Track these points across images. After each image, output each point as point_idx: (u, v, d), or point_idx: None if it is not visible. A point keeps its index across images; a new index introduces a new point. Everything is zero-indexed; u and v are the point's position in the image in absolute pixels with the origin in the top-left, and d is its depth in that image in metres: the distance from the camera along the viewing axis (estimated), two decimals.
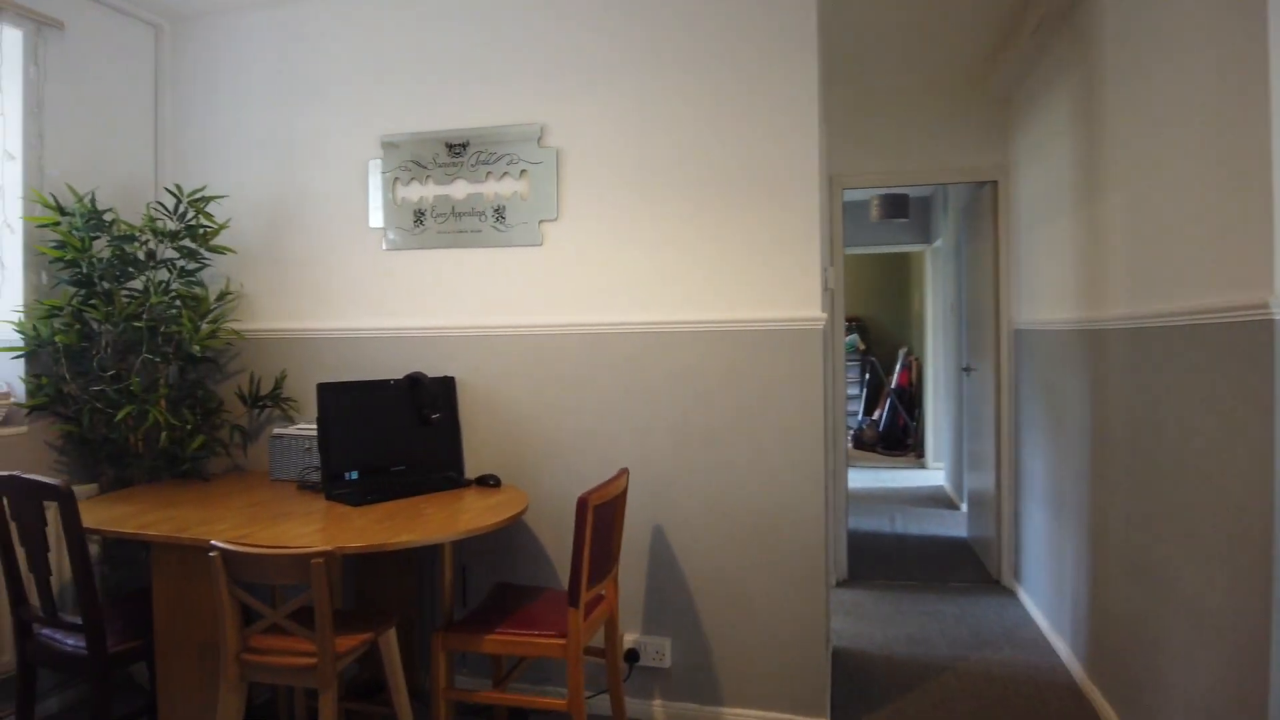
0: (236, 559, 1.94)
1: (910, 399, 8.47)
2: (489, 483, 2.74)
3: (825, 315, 2.65)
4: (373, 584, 2.80)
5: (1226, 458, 1.91)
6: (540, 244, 2.86)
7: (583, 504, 2.16)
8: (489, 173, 2.88)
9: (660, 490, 2.79)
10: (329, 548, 1.92)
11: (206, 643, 2.23)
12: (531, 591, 2.60)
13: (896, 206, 6.89)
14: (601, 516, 2.28)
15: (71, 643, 2.25)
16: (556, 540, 2.89)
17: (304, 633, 1.98)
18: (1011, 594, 4.15)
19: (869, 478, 7.31)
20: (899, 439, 8.46)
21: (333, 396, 2.62)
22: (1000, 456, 4.31)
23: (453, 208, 2.93)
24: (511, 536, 2.92)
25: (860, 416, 8.96)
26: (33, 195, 2.77)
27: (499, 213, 2.88)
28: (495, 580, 2.94)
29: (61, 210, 2.75)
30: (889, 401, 8.55)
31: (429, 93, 2.98)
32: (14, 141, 2.76)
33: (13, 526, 2.28)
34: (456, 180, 2.92)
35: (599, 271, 2.83)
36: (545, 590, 2.62)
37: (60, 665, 2.28)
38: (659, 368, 2.78)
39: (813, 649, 2.67)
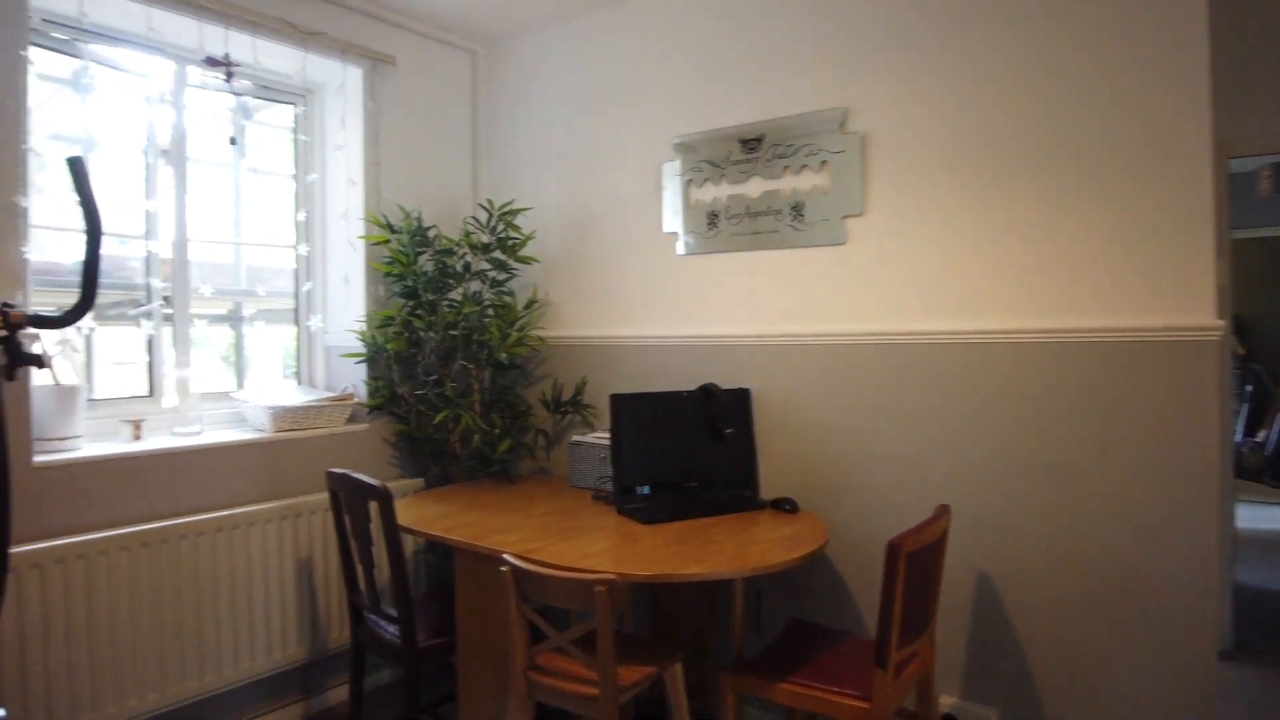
0: (524, 576, 1.90)
1: None
2: (785, 508, 2.50)
3: (1222, 323, 2.03)
4: (669, 604, 2.70)
5: None
6: (843, 242, 2.55)
7: (894, 550, 1.83)
8: (785, 167, 2.64)
9: (986, 531, 2.35)
10: (612, 575, 1.81)
11: (502, 651, 2.25)
12: (832, 635, 2.32)
13: None
14: (916, 565, 1.93)
15: (391, 631, 2.40)
16: (859, 577, 2.56)
17: (587, 659, 1.90)
18: None
19: (1257, 515, 5.92)
20: None
21: (625, 407, 2.56)
22: None
23: (747, 207, 2.72)
24: (809, 568, 2.65)
25: (1240, 437, 7.33)
26: (369, 217, 3.05)
27: (796, 210, 2.62)
28: (789, 614, 2.69)
29: (392, 229, 3.00)
30: (1278, 420, 6.89)
31: (722, 89, 2.81)
32: (356, 169, 3.07)
33: (348, 520, 2.49)
34: (751, 178, 2.71)
35: (911, 272, 2.45)
36: (847, 636, 2.32)
37: (381, 650, 2.45)
38: (986, 385, 2.33)
39: None
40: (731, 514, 2.46)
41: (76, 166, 1.78)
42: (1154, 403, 2.11)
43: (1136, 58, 2.12)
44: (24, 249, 2.26)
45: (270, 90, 3.03)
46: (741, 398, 2.70)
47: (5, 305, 1.67)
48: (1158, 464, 2.11)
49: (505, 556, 1.94)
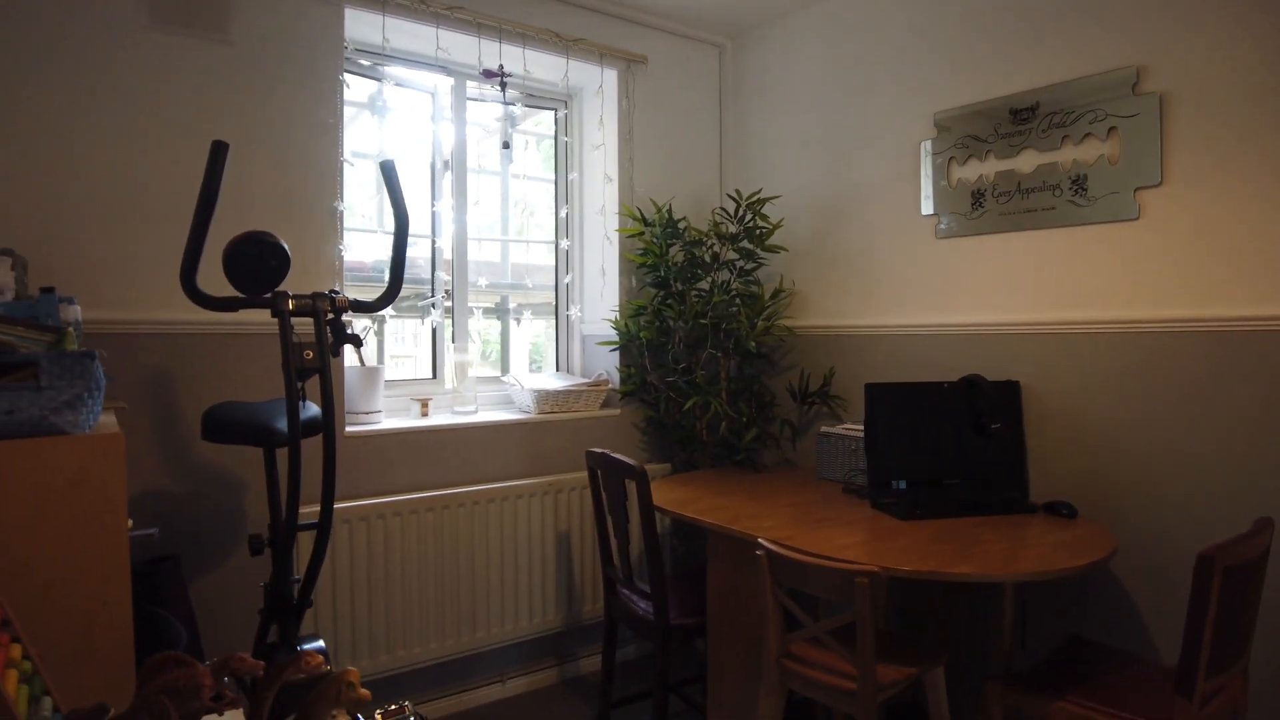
0: (781, 562, 1.90)
1: None
2: (1061, 512, 2.28)
3: None
4: (918, 606, 2.58)
5: None
6: (1135, 217, 2.27)
7: (1206, 563, 1.61)
8: (1065, 137, 2.40)
9: None
10: (875, 568, 1.75)
11: (752, 634, 2.27)
12: (1113, 655, 2.09)
13: None
14: (1231, 584, 1.68)
15: (644, 606, 2.50)
16: (1150, 597, 2.28)
17: (844, 653, 1.85)
18: None
19: None
20: None
21: (881, 398, 2.46)
22: None
23: (1018, 184, 2.51)
24: (1085, 581, 2.40)
25: None
26: (624, 210, 3.19)
27: (1078, 183, 2.37)
28: (1061, 628, 2.45)
29: (645, 222, 3.12)
30: None
31: (986, 57, 2.61)
32: (611, 166, 3.22)
33: (605, 498, 2.62)
34: (1023, 151, 2.50)
35: (1224, 248, 2.12)
36: (1132, 658, 2.07)
37: (633, 624, 2.56)
38: None
39: None
40: (997, 515, 2.29)
41: (388, 170, 2.03)
42: None
43: None
44: (340, 247, 2.62)
45: (535, 97, 3.27)
46: (1010, 391, 2.50)
47: (332, 292, 1.94)
48: None
49: (761, 541, 1.95)
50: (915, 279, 2.83)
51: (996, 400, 2.45)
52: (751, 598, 2.27)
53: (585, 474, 3.01)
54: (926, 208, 2.77)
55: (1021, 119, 2.50)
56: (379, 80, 2.90)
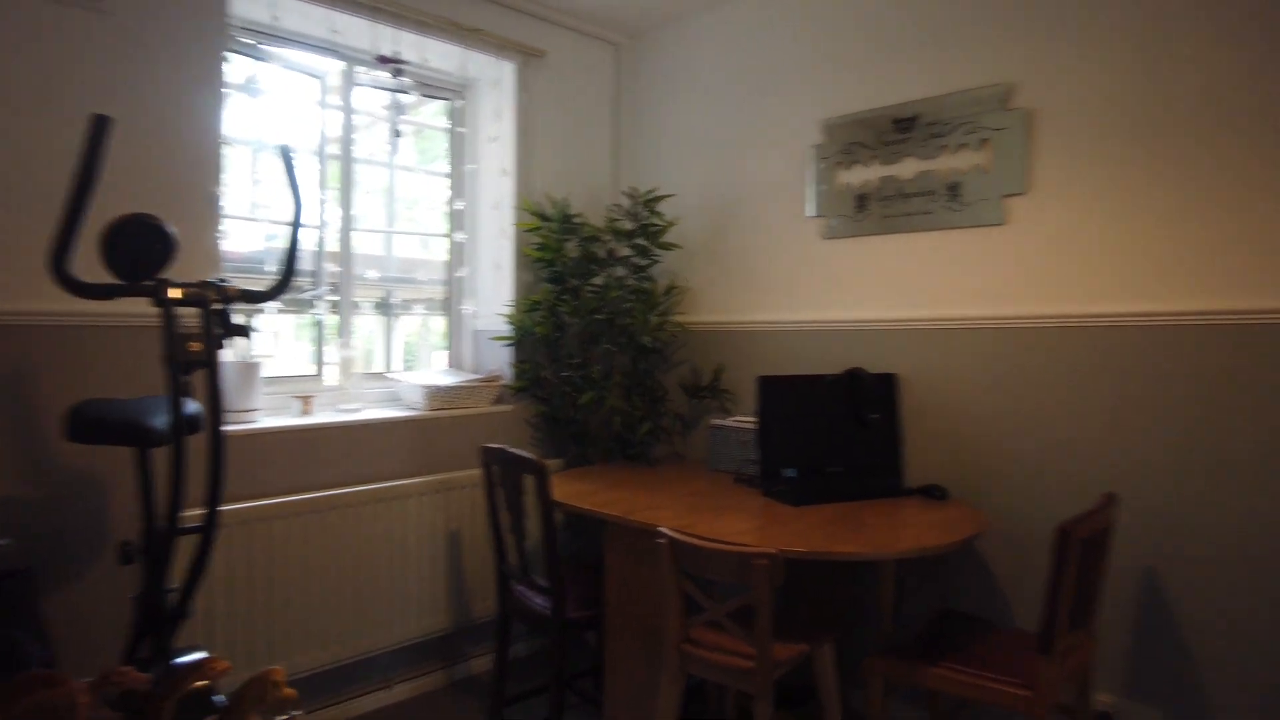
0: (682, 549, 1.95)
1: None
2: (934, 494, 2.45)
3: None
4: (804, 588, 2.69)
5: None
6: (1002, 222, 2.47)
7: (1064, 535, 1.77)
8: (942, 146, 2.58)
9: (1154, 525, 2.23)
10: (772, 550, 1.83)
11: (649, 623, 2.31)
12: (981, 625, 2.26)
13: None
14: (1085, 552, 1.86)
15: (540, 602, 2.50)
16: (1011, 570, 2.48)
17: (742, 634, 1.92)
18: None
19: None
20: None
21: (772, 390, 2.57)
22: None
23: (899, 189, 2.68)
24: (956, 558, 2.59)
25: None
26: (522, 204, 3.18)
27: (953, 190, 2.56)
28: (932, 604, 2.63)
29: (542, 217, 3.11)
30: None
31: (873, 68, 2.77)
32: (508, 160, 3.20)
33: (500, 494, 2.60)
34: (904, 158, 2.67)
35: (1081, 252, 2.35)
36: (997, 627, 2.25)
37: (528, 619, 2.56)
38: (1158, 371, 2.22)
39: None
40: (877, 499, 2.43)
41: (285, 155, 1.94)
42: None
43: None
44: (219, 233, 2.48)
45: (430, 87, 3.20)
46: (889, 383, 2.66)
47: (220, 280, 1.84)
48: None
49: (662, 530, 1.99)
50: (802, 277, 2.96)
51: (876, 391, 2.61)
52: (648, 588, 2.31)
53: (477, 471, 2.97)
54: (814, 209, 2.91)
55: (903, 128, 2.67)
56: (263, 60, 2.76)
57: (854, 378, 2.59)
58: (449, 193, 3.32)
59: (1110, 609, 2.30)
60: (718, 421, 2.92)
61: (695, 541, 1.92)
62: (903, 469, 2.66)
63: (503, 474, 2.54)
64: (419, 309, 3.30)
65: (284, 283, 1.97)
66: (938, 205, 2.59)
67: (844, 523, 2.16)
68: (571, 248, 3.15)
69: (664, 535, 1.98)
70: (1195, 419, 2.17)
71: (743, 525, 2.15)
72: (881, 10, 2.75)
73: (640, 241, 3.15)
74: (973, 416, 2.55)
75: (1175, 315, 2.19)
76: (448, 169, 3.33)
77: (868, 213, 2.75)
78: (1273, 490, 2.06)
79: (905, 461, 2.67)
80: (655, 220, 3.13)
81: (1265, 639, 2.08)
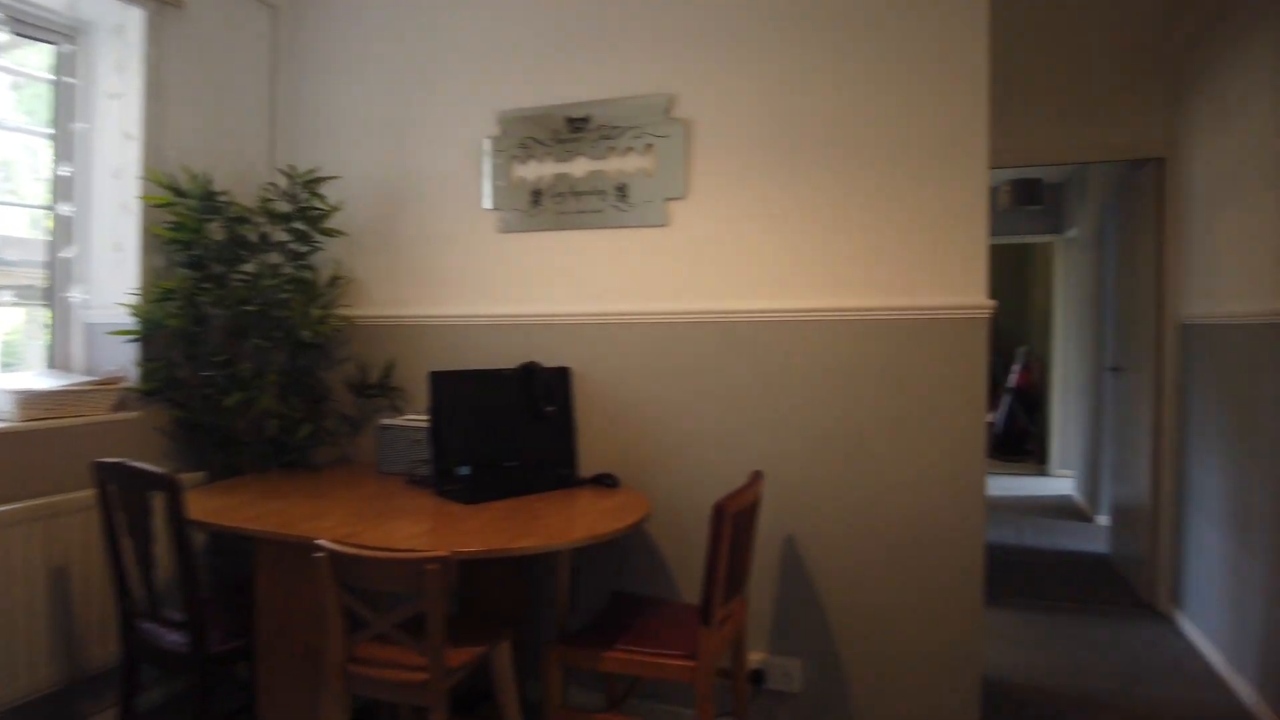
0: (345, 562, 1.78)
1: (1031, 401, 7.89)
2: (606, 482, 2.54)
3: (992, 302, 2.33)
4: (479, 588, 2.63)
5: None
6: (666, 224, 2.63)
7: (720, 511, 1.91)
8: (611, 148, 2.67)
9: (794, 498, 2.52)
10: (444, 552, 1.74)
11: (310, 646, 2.09)
12: (651, 603, 2.38)
13: (1030, 193, 6.36)
14: (738, 526, 2.03)
15: (174, 638, 2.15)
16: (676, 548, 2.65)
17: (413, 644, 1.81)
18: (1168, 620, 3.69)
19: (989, 485, 6.82)
20: (1017, 444, 7.90)
21: (445, 385, 2.46)
22: (1159, 467, 3.84)
23: (572, 187, 2.73)
24: (627, 541, 2.70)
25: None
26: (150, 176, 2.71)
27: (621, 191, 2.66)
28: (608, 588, 2.73)
29: (178, 192, 2.69)
30: (1007, 403, 7.99)
31: (549, 66, 2.79)
32: (133, 122, 2.71)
33: (121, 517, 2.19)
34: (577, 157, 2.72)
35: (732, 254, 2.58)
36: (665, 603, 2.39)
37: (161, 662, 2.19)
38: (797, 361, 2.51)
39: (965, 678, 2.36)
40: (553, 491, 2.45)
41: None
42: (937, 376, 2.37)
43: (933, 72, 2.37)
44: None
45: (27, 25, 2.60)
46: (563, 376, 2.70)
47: None
48: (938, 433, 2.37)
49: (320, 542, 1.80)
50: (478, 270, 2.89)
51: (551, 385, 2.63)
52: (307, 607, 2.09)
53: (90, 493, 2.48)
54: (490, 202, 2.86)
55: (576, 128, 2.72)
56: None
57: (529, 371, 2.59)
58: (52, 156, 2.73)
59: (757, 575, 2.55)
60: (387, 421, 2.74)
61: (358, 552, 1.77)
62: (577, 460, 2.72)
63: (123, 494, 2.14)
64: (6, 296, 2.68)
65: None
66: (607, 205, 2.68)
67: (519, 517, 2.13)
68: (215, 229, 2.76)
69: (323, 548, 1.79)
70: (825, 402, 2.48)
71: (414, 529, 2.02)
72: (556, 8, 2.78)
73: (299, 226, 2.85)
74: (639, 407, 2.68)
75: (797, 312, 2.49)
76: (51, 128, 2.73)
77: (543, 208, 2.77)
78: (882, 461, 2.43)
79: (579, 452, 2.74)
80: (316, 204, 2.86)
81: (880, 591, 2.45)
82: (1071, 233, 6.43)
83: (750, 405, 2.56)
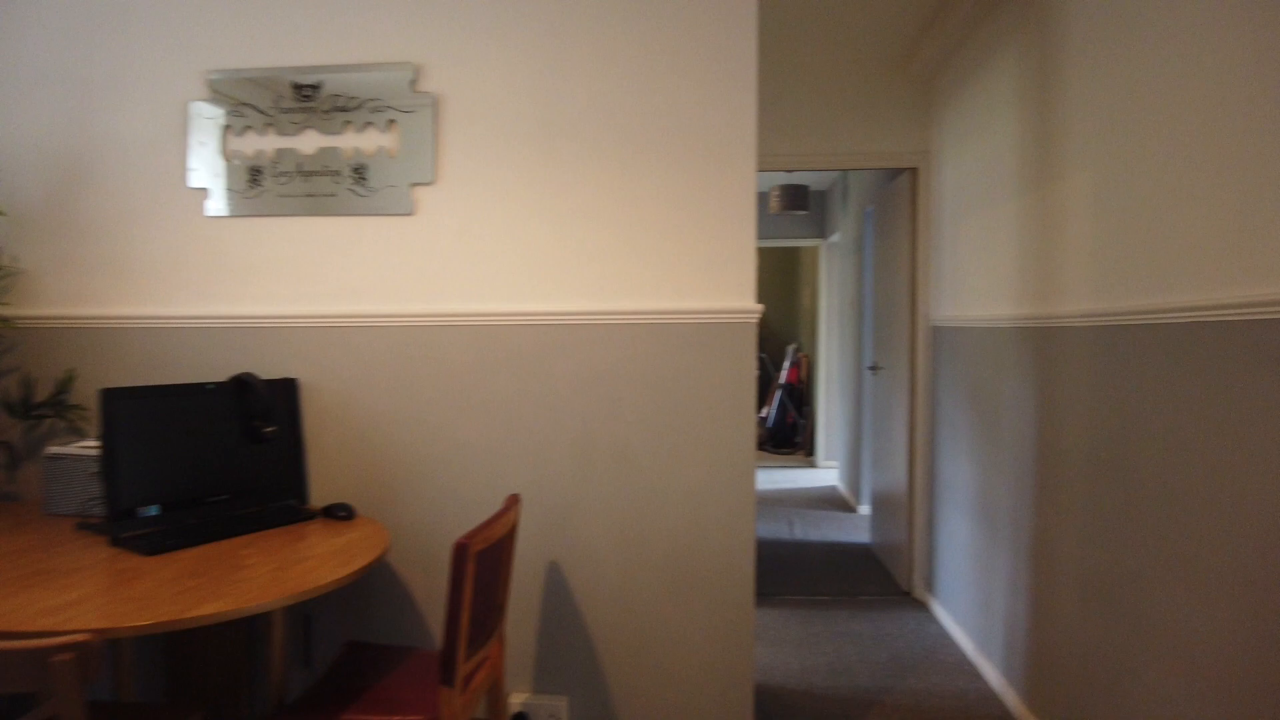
0: None
1: (799, 396, 8.31)
2: (339, 514, 2.16)
3: (760, 306, 2.23)
4: (188, 654, 2.16)
5: (1238, 479, 1.60)
6: (411, 213, 2.30)
7: (461, 551, 1.63)
8: (347, 122, 2.29)
9: (558, 519, 2.29)
10: (85, 634, 1.32)
11: None
12: (393, 654, 2.05)
13: (797, 198, 6.63)
14: (485, 564, 1.76)
15: None
16: (426, 583, 2.33)
17: None
18: (924, 607, 3.90)
19: (761, 478, 7.05)
20: (787, 437, 8.28)
21: (123, 405, 1.97)
22: (913, 459, 4.06)
23: (299, 165, 2.31)
24: (368, 581, 2.34)
25: None
26: None
27: (359, 173, 2.29)
28: (346, 637, 2.35)
29: None
30: (777, 399, 8.36)
31: (271, 20, 2.35)
32: None
33: None
34: (305, 130, 2.31)
35: (488, 249, 2.29)
36: (411, 652, 2.07)
37: None
38: (561, 369, 2.28)
39: (738, 691, 2.26)
40: (273, 529, 2.04)
41: None
42: (706, 382, 2.24)
43: (704, 62, 2.22)
44: None
45: None
46: (288, 389, 2.29)
47: None
48: (707, 436, 2.24)
49: None
50: (182, 262, 2.39)
51: (271, 401, 2.21)
52: None
53: None
54: (196, 180, 2.37)
55: (305, 95, 2.31)
56: None
57: (243, 385, 2.15)
58: None
59: (518, 610, 2.30)
60: (56, 450, 2.18)
61: None
62: (306, 489, 2.32)
63: None
64: None
65: None
66: (343, 188, 2.30)
67: (216, 569, 1.72)
68: None
69: None
70: (592, 411, 2.27)
71: (65, 596, 1.56)
72: None
73: None
74: (381, 423, 2.33)
75: (563, 315, 2.27)
76: None
77: (263, 189, 2.33)
78: (651, 470, 2.26)
79: (309, 479, 2.34)
80: None
81: (651, 605, 2.28)
82: (835, 237, 6.77)
83: (509, 419, 2.30)
